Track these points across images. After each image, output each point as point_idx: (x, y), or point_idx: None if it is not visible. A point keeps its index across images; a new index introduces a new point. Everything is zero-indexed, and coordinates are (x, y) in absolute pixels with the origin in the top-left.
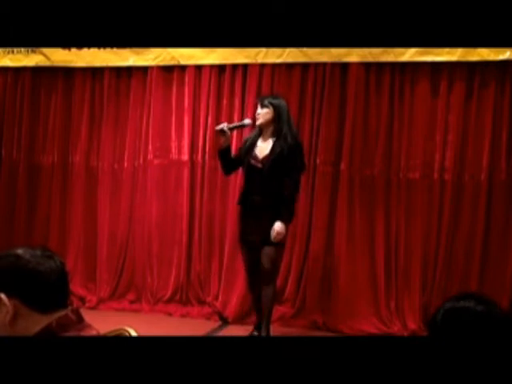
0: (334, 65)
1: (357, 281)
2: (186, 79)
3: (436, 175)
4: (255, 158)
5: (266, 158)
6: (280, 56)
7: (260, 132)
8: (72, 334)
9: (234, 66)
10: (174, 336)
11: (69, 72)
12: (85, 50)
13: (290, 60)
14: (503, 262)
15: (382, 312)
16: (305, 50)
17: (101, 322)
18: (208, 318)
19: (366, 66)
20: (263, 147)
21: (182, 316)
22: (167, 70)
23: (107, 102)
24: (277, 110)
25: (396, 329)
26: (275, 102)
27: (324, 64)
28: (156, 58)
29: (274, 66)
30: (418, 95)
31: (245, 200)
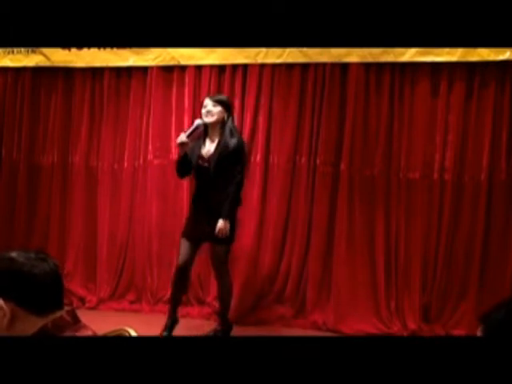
0: (333, 65)
1: (357, 281)
2: (186, 79)
3: (436, 175)
4: (202, 157)
5: (212, 156)
6: (280, 56)
7: (205, 132)
8: (68, 334)
9: (234, 67)
10: (174, 336)
11: (69, 72)
12: (85, 50)
13: (290, 60)
14: (503, 262)
15: (382, 312)
16: (305, 50)
17: (101, 322)
18: (208, 318)
19: (366, 66)
20: (209, 146)
21: (182, 316)
22: (167, 70)
23: (107, 102)
24: (228, 110)
25: (396, 329)
26: (227, 101)
27: (324, 64)
28: (156, 58)
29: (274, 66)
30: (417, 95)
31: (197, 199)
